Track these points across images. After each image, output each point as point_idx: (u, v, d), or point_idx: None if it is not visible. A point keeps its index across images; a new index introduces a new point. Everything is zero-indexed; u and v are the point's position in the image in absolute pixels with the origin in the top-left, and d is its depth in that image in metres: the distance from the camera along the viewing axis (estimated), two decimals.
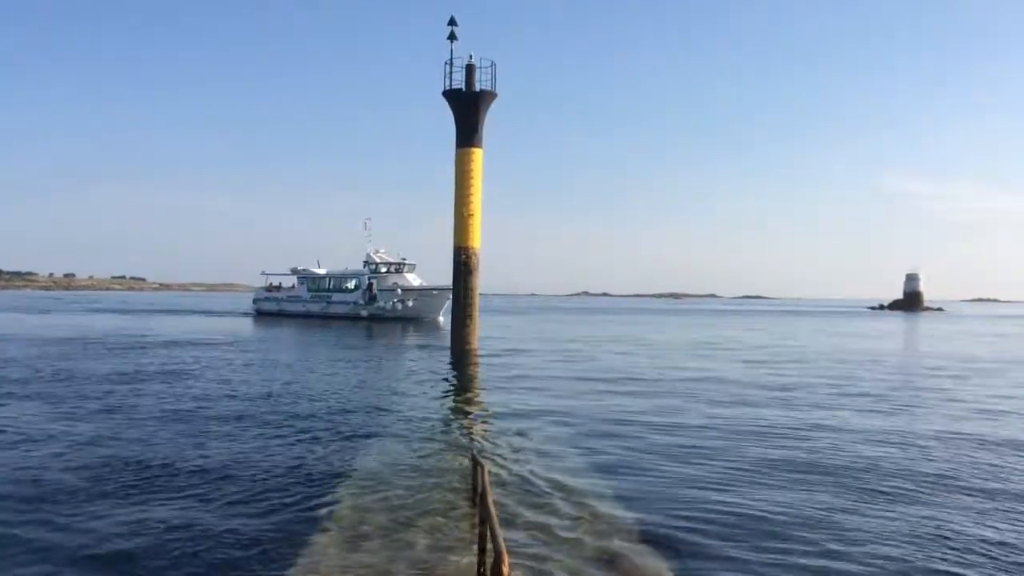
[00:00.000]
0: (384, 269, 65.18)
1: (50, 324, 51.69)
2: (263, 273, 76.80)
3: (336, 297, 67.97)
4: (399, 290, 63.16)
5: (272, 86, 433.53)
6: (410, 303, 62.51)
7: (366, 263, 66.24)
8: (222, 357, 29.05)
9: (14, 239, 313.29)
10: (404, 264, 65.49)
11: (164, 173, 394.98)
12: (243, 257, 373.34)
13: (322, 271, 70.93)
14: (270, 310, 72.90)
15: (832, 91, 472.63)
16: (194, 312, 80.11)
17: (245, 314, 73.74)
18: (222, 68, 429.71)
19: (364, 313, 63.96)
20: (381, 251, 66.85)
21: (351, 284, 67.33)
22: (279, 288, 75.19)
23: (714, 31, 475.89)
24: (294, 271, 72.96)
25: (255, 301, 76.35)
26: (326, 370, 25.24)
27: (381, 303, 63.53)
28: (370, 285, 64.73)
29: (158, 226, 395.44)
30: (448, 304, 66.92)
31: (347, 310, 65.76)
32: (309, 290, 70.61)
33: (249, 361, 27.81)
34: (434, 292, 63.21)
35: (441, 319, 62.84)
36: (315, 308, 68.69)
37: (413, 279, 64.83)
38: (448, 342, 34.08)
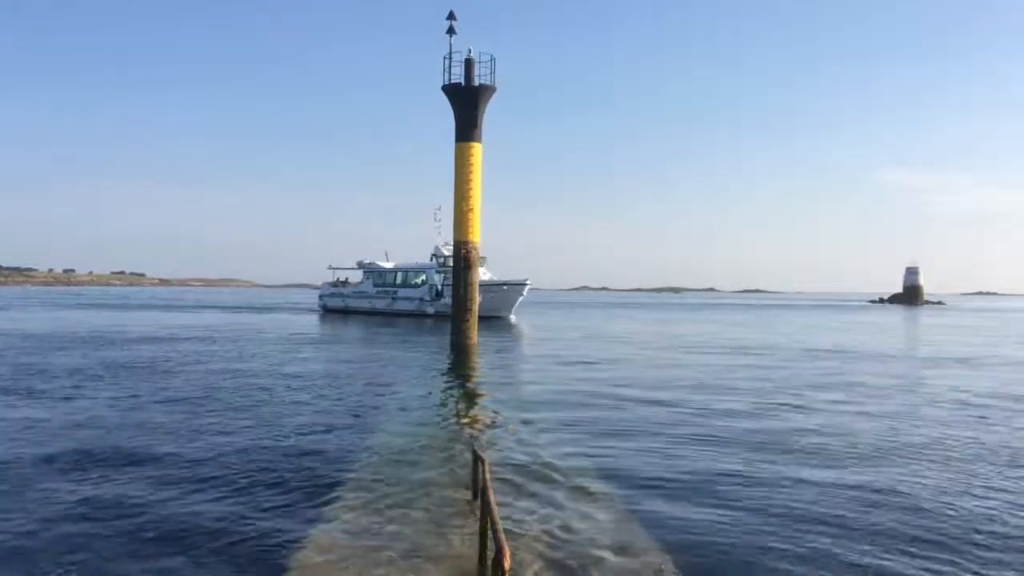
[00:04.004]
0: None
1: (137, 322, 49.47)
2: (330, 267, 73.01)
3: (402, 293, 64.27)
4: None
5: (271, 84, 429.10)
6: (478, 299, 59.41)
7: (434, 256, 62.64)
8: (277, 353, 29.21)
9: (13, 235, 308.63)
10: None
11: (163, 169, 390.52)
12: (240, 253, 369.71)
13: (389, 265, 67.18)
14: (336, 307, 69.39)
15: (830, 84, 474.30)
16: (256, 309, 76.18)
17: (311, 311, 70.81)
18: (220, 68, 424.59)
19: (430, 310, 60.44)
20: (449, 243, 63.82)
21: (420, 279, 63.72)
22: (346, 283, 71.53)
23: (711, 22, 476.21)
24: (360, 265, 68.87)
25: (321, 297, 72.92)
26: (342, 365, 25.40)
27: (447, 299, 60.53)
28: (445, 278, 61.93)
29: (156, 222, 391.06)
30: (521, 300, 64.78)
31: (412, 307, 62.32)
32: (375, 285, 66.69)
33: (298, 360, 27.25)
34: (505, 287, 59.87)
35: (513, 317, 60.31)
36: (380, 305, 64.98)
37: (483, 273, 61.57)
38: (519, 341, 35.48)
